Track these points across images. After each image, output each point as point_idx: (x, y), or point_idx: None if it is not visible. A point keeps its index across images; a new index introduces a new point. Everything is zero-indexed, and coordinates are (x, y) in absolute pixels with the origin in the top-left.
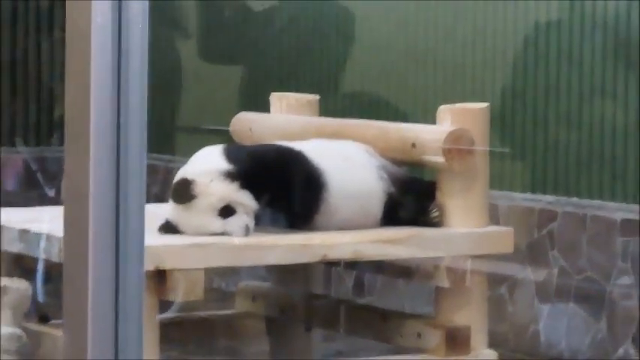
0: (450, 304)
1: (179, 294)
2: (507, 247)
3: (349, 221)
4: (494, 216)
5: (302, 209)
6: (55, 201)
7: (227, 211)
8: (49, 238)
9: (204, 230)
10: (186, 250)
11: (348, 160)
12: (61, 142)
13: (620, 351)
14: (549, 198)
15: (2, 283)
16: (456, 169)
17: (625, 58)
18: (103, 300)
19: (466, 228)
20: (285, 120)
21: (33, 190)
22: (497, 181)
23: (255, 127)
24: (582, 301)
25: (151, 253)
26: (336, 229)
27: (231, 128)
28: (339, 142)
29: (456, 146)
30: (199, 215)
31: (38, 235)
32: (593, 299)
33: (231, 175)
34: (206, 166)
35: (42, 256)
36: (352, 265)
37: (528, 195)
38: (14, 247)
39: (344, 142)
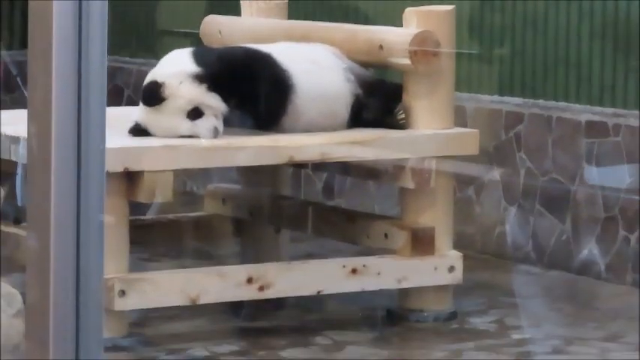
0: (415, 206)
1: (148, 195)
2: (472, 148)
3: (316, 123)
4: (461, 118)
5: (269, 110)
6: None
7: (196, 113)
8: (23, 140)
9: (173, 132)
10: (156, 151)
11: (316, 63)
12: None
13: (585, 252)
14: (516, 100)
15: None
16: (421, 71)
17: None
18: (65, 203)
19: (431, 130)
20: (254, 23)
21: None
22: (466, 83)
23: (224, 30)
24: (548, 203)
25: (121, 155)
26: (304, 131)
27: (200, 31)
28: (308, 44)
29: (422, 48)
30: (168, 117)
31: (12, 138)
32: (558, 200)
33: (199, 78)
34: (175, 68)
35: (15, 159)
36: (321, 167)
37: (495, 97)
38: None
39: (312, 45)
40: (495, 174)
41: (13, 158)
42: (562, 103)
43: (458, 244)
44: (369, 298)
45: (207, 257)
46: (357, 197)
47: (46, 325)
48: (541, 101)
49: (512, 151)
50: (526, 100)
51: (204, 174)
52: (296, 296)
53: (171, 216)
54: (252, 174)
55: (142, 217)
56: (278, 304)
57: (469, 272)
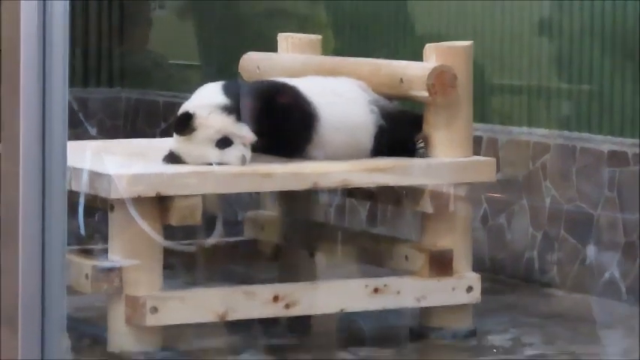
0: (435, 229)
1: (178, 219)
2: (489, 176)
3: (340, 152)
4: (493, 149)
5: (295, 139)
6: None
7: (225, 142)
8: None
9: (203, 160)
10: (185, 177)
11: (340, 95)
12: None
13: (606, 275)
14: (542, 131)
15: None
16: (439, 103)
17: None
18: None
19: (449, 158)
20: (288, 58)
21: (75, 129)
22: (498, 116)
23: (262, 65)
24: (572, 229)
25: (153, 181)
26: (329, 159)
27: (239, 67)
28: (334, 78)
29: (439, 82)
30: (199, 146)
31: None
32: (581, 226)
33: (228, 109)
34: (206, 100)
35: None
36: (349, 194)
37: (524, 129)
38: None
39: (338, 79)
40: (524, 202)
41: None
42: (585, 134)
43: (490, 269)
44: (394, 316)
45: (246, 280)
46: (397, 225)
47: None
48: (565, 132)
49: (539, 180)
50: (551, 130)
51: (249, 201)
52: (324, 315)
53: (212, 240)
54: (289, 202)
55: (187, 242)
56: (306, 322)
57: (497, 294)
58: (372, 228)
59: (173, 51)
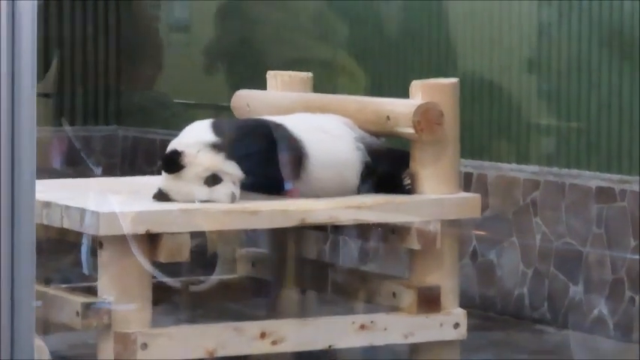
0: (422, 266)
1: (167, 256)
2: (474, 212)
3: (328, 189)
4: (483, 185)
5: (283, 177)
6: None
7: (214, 180)
8: (49, 205)
9: (192, 197)
10: (174, 215)
11: (327, 132)
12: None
13: (595, 312)
14: (533, 168)
15: None
16: (425, 140)
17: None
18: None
19: (436, 194)
20: (278, 96)
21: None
22: (487, 153)
23: (252, 103)
24: (561, 265)
25: (142, 218)
26: (316, 196)
27: (231, 104)
28: (321, 115)
29: (424, 119)
30: (188, 184)
31: (42, 203)
32: (571, 263)
33: (217, 147)
34: (194, 138)
35: (44, 222)
36: (338, 231)
37: (514, 165)
38: None
39: (325, 116)
40: (514, 239)
41: (45, 222)
42: (574, 170)
43: (480, 306)
44: (383, 352)
45: (239, 317)
46: (389, 261)
47: None
48: (555, 169)
49: (529, 216)
50: (542, 167)
51: (246, 238)
52: (313, 352)
53: (203, 278)
54: (277, 238)
55: (180, 279)
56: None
57: (486, 331)
58: (364, 264)
59: (180, 90)
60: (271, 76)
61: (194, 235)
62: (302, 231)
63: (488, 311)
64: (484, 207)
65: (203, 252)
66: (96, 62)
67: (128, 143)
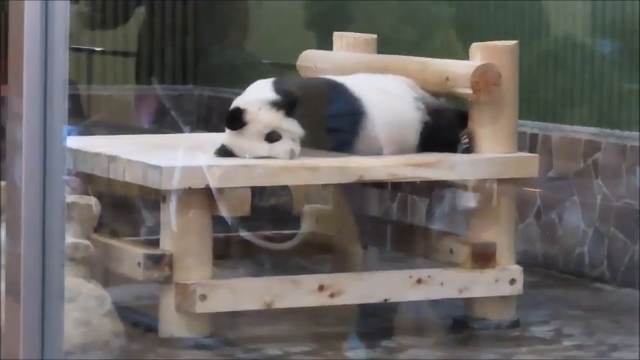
0: (479, 223)
1: (228, 210)
2: (532, 171)
3: (387, 147)
4: (547, 146)
5: (342, 134)
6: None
7: (274, 137)
8: (115, 159)
9: (253, 153)
10: (234, 170)
11: (387, 92)
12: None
13: None
14: (594, 130)
15: (70, 200)
16: (483, 100)
17: None
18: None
19: (493, 154)
20: (343, 57)
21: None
22: (551, 114)
23: (318, 63)
24: (621, 225)
25: (203, 173)
26: (375, 154)
27: (297, 65)
28: (382, 76)
29: (482, 79)
30: (249, 140)
31: (108, 157)
32: (630, 223)
33: (277, 104)
34: (256, 96)
35: (110, 175)
36: (398, 188)
37: (577, 127)
38: (87, 168)
39: (386, 76)
40: (575, 198)
41: (110, 175)
42: (635, 133)
43: (542, 264)
44: (440, 307)
45: (303, 271)
46: (449, 219)
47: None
48: (617, 131)
49: (591, 177)
50: (603, 129)
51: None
52: (375, 305)
53: (269, 233)
54: (343, 196)
55: (243, 233)
56: (352, 310)
57: (546, 288)
58: (424, 221)
59: (268, 50)
60: (337, 37)
61: (281, 192)
62: (365, 188)
63: (550, 269)
64: (548, 167)
65: (288, 209)
66: (177, 23)
67: (214, 102)
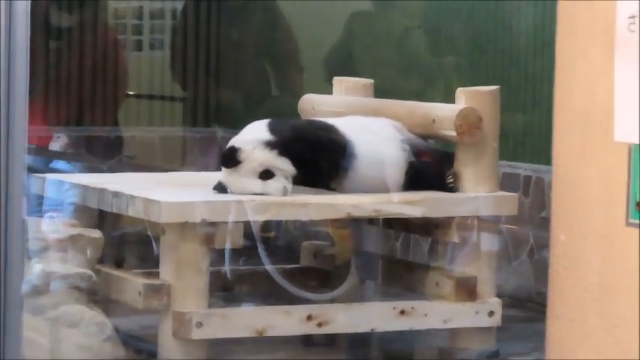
0: (461, 258)
1: (221, 242)
2: (511, 209)
3: (374, 186)
4: (539, 187)
5: (332, 173)
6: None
7: (267, 175)
8: (118, 194)
9: (247, 190)
10: (228, 205)
11: (375, 134)
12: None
13: None
14: None
15: (76, 232)
16: (466, 142)
17: None
18: None
19: (475, 192)
20: (339, 100)
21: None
22: (545, 156)
23: (316, 106)
24: None
25: (200, 208)
26: (363, 192)
27: (298, 107)
28: (372, 118)
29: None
30: (243, 177)
31: (111, 193)
32: None
33: (271, 144)
34: (251, 136)
35: (113, 210)
36: (390, 225)
37: None
38: (94, 203)
39: (375, 119)
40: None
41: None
42: None
43: (535, 300)
44: (427, 338)
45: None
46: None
47: None
48: None
49: None
50: None
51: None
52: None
53: (269, 267)
54: (341, 234)
55: (242, 267)
56: (346, 341)
57: (534, 323)
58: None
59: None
60: (337, 81)
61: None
62: (357, 225)
63: (542, 305)
64: (541, 208)
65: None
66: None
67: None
